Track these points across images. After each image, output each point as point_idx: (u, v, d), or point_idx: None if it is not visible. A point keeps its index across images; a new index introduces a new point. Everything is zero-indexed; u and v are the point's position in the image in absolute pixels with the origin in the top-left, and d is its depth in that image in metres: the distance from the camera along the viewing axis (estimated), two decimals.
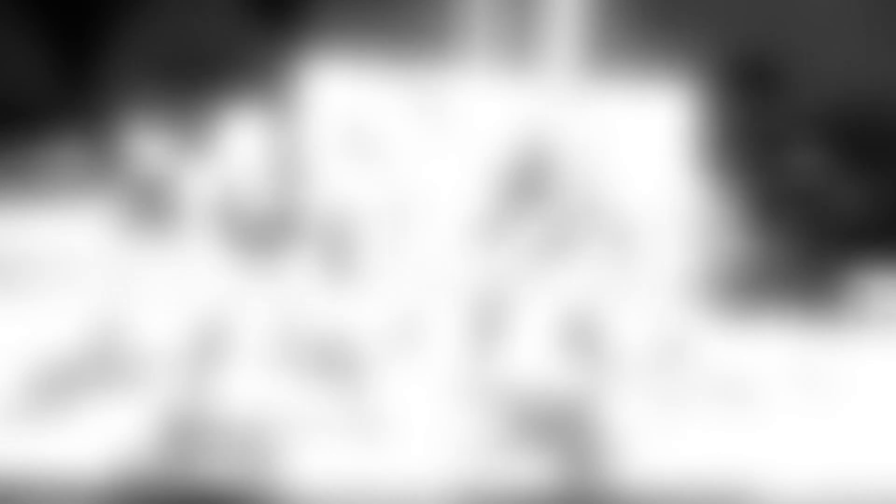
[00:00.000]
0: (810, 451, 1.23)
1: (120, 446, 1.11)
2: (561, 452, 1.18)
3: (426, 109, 2.08)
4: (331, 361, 1.23)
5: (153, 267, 1.48)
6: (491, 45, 2.32)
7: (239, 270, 1.20)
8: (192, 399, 1.18)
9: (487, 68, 2.24)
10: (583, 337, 1.42)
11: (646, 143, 2.35)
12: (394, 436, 1.19)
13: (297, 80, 2.10)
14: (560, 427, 1.31)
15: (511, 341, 1.41)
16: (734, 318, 2.05)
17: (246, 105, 1.54)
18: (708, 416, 1.37)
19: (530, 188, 1.40)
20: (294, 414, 1.27)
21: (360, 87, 2.14)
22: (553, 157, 1.41)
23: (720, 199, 2.08)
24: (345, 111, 2.22)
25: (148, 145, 1.38)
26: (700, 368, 1.58)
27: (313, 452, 1.13)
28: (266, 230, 1.24)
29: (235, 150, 1.27)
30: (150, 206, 1.39)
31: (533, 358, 1.60)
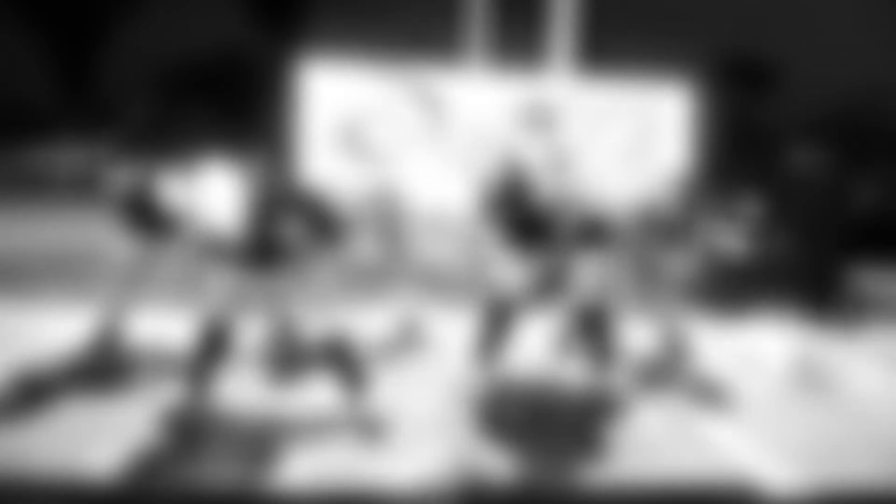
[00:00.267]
0: (810, 451, 1.23)
1: (120, 446, 1.11)
2: (560, 452, 1.19)
3: (424, 108, 2.07)
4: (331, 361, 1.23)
5: (154, 268, 1.49)
6: (490, 45, 2.32)
7: (240, 274, 1.20)
8: (191, 399, 1.18)
9: (487, 68, 2.24)
10: (585, 338, 1.42)
11: (646, 142, 2.35)
12: (393, 436, 1.20)
13: (296, 81, 2.10)
14: (559, 427, 1.32)
15: (511, 342, 1.41)
16: (734, 319, 2.05)
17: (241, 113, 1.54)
18: (707, 417, 1.37)
19: (527, 188, 1.40)
20: (294, 414, 1.27)
21: (359, 87, 2.14)
22: (553, 156, 1.42)
23: (719, 198, 2.07)
24: (344, 111, 2.22)
25: (133, 155, 1.39)
26: (700, 368, 1.59)
27: (313, 453, 1.13)
28: (266, 229, 1.24)
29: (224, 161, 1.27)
30: (147, 210, 1.40)
31: (532, 358, 1.60)
